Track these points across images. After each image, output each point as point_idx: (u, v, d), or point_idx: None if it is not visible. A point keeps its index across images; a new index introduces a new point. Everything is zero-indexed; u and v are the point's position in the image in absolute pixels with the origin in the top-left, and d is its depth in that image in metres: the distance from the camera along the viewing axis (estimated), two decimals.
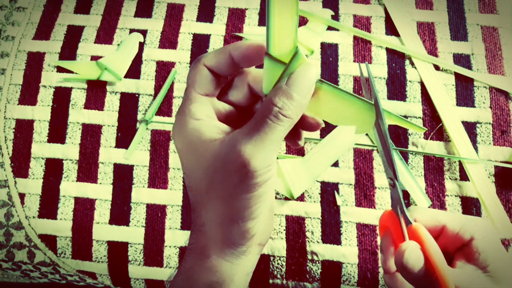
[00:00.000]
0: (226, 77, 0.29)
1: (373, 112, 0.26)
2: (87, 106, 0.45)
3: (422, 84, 0.44)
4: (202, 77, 0.27)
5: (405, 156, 0.43)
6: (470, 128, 0.43)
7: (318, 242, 0.41)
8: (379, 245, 0.41)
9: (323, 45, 0.46)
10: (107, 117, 0.44)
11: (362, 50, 0.46)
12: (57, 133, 0.44)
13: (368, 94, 0.28)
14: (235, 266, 0.27)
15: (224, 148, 0.25)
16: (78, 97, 0.45)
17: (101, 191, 0.43)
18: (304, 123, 0.28)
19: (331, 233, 0.41)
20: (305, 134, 0.31)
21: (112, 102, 0.45)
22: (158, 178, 0.43)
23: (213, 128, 0.26)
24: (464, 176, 0.42)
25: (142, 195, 0.43)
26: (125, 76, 0.45)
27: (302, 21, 0.47)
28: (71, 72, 0.46)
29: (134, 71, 0.46)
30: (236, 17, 0.47)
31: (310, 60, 0.45)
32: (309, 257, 0.41)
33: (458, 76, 0.44)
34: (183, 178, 0.27)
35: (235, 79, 0.29)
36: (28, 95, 0.45)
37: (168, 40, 0.46)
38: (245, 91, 0.29)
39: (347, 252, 0.40)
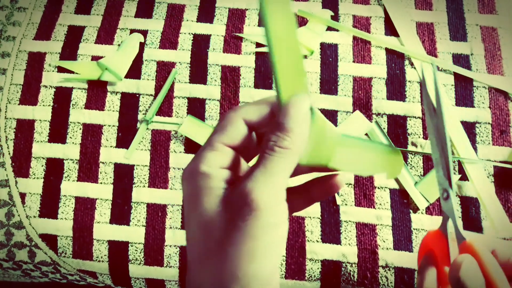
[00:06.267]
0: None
1: (400, 156, 0.26)
2: (88, 106, 0.45)
3: (421, 85, 0.44)
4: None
5: (404, 156, 0.43)
6: (470, 128, 0.43)
7: (317, 241, 0.41)
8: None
9: (323, 46, 0.46)
10: (108, 117, 0.44)
11: (362, 50, 0.46)
12: (57, 133, 0.44)
13: (426, 98, 0.27)
14: None
15: (229, 192, 0.23)
16: (79, 97, 0.45)
17: (101, 191, 0.43)
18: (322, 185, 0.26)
19: (331, 233, 0.41)
20: None
21: (112, 102, 0.45)
22: (158, 178, 0.43)
23: (223, 181, 0.24)
24: (463, 176, 0.42)
25: (142, 194, 0.43)
26: (126, 76, 0.46)
27: (302, 22, 0.47)
28: (72, 72, 0.46)
29: (134, 71, 0.46)
30: (236, 18, 0.48)
31: (310, 60, 0.46)
32: (309, 256, 0.41)
33: (457, 76, 0.45)
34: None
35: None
36: (29, 95, 0.45)
37: (169, 40, 0.47)
38: (243, 130, 0.25)
39: (346, 252, 0.40)
